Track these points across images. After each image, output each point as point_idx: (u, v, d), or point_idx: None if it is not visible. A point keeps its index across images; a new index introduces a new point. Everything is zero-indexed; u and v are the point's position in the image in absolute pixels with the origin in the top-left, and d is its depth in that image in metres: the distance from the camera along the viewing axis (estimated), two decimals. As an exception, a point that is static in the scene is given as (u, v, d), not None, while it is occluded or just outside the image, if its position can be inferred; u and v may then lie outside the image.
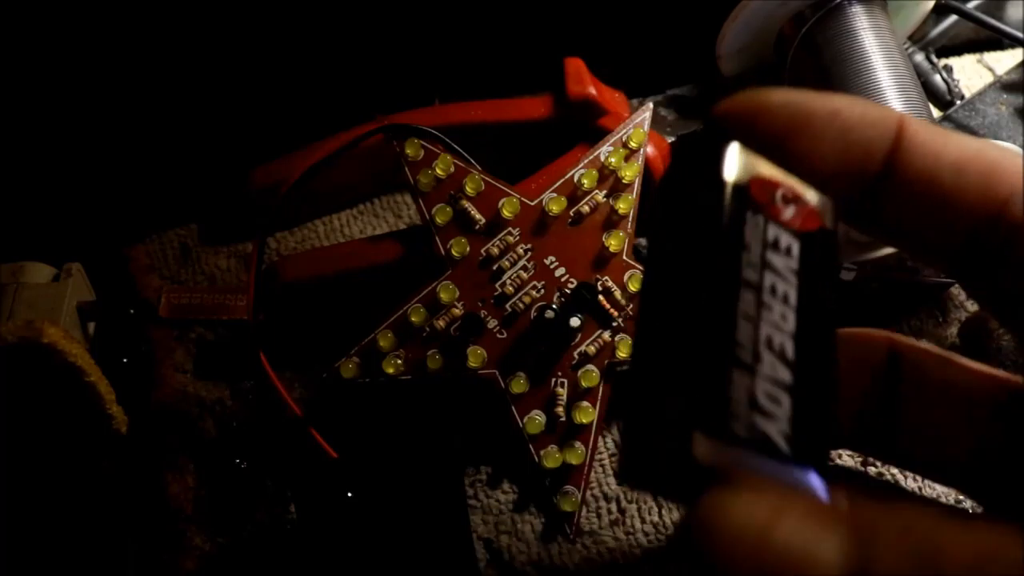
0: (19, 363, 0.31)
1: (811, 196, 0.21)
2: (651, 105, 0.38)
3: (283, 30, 0.43)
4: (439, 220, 0.36)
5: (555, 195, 0.36)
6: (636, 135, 0.37)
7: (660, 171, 0.40)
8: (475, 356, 0.34)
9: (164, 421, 0.36)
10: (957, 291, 0.42)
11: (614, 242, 0.36)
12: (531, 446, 0.34)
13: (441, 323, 0.34)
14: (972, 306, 0.42)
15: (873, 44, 0.39)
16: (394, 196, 0.43)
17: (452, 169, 0.36)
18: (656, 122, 0.43)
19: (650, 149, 0.39)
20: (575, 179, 0.36)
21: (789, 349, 0.18)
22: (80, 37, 0.40)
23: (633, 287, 0.35)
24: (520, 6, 0.45)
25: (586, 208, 0.36)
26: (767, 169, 0.21)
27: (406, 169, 0.36)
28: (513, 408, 0.34)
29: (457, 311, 0.35)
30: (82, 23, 0.40)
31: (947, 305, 0.42)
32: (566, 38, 0.45)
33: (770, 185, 0.21)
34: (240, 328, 0.39)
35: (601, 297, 0.35)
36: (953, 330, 0.41)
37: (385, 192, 0.43)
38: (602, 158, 0.37)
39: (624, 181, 0.36)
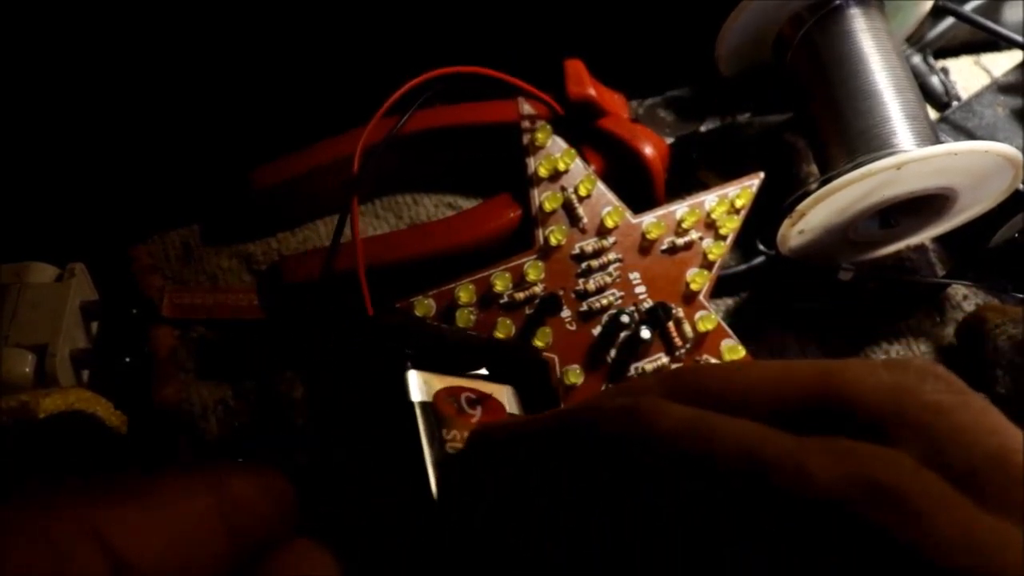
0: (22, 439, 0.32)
1: (490, 389, 0.24)
2: (762, 175, 0.39)
3: (283, 30, 0.43)
4: (547, 207, 0.37)
5: (656, 221, 0.38)
6: (744, 195, 0.39)
7: (660, 172, 0.40)
8: (543, 336, 0.35)
9: (166, 421, 0.37)
10: (954, 291, 0.42)
11: (698, 280, 0.37)
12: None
13: (520, 296, 0.35)
14: (969, 306, 0.42)
15: (871, 46, 0.39)
16: (395, 197, 0.44)
17: (572, 166, 0.38)
18: (655, 123, 0.43)
19: (649, 150, 0.39)
20: (677, 215, 0.38)
21: None
22: (82, 37, 0.40)
23: (701, 327, 0.36)
24: (520, 6, 0.45)
25: (681, 242, 0.38)
26: (444, 380, 0.23)
27: (529, 152, 0.38)
28: (560, 397, 0.35)
29: (538, 290, 0.36)
30: (83, 23, 0.40)
31: (944, 305, 0.42)
32: (566, 39, 0.45)
33: (452, 392, 0.23)
34: (242, 328, 0.39)
35: (671, 324, 0.36)
36: (950, 330, 0.41)
37: (386, 192, 0.43)
38: (706, 205, 0.38)
39: (721, 232, 0.38)
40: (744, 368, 0.19)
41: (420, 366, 0.24)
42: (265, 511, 0.20)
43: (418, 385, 0.23)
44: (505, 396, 0.25)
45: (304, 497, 0.21)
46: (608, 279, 0.37)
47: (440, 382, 0.23)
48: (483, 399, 0.24)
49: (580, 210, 0.37)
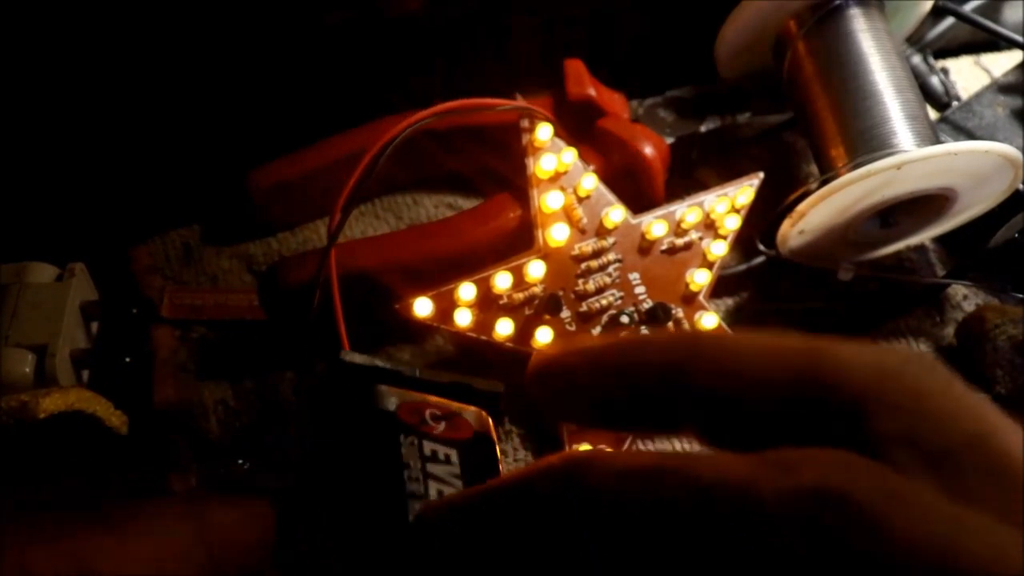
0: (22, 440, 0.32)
1: (458, 408, 0.25)
2: (761, 175, 0.39)
3: (284, 31, 0.43)
4: (547, 207, 0.37)
5: (656, 221, 0.38)
6: (744, 194, 0.39)
7: (660, 172, 0.40)
8: (543, 336, 0.35)
9: (167, 421, 0.37)
10: (954, 291, 0.42)
11: (698, 280, 0.37)
12: (565, 435, 0.35)
13: (520, 296, 0.35)
14: (969, 306, 0.42)
15: (871, 46, 0.39)
16: (395, 197, 0.44)
17: (572, 166, 0.38)
18: (656, 123, 0.43)
19: (649, 150, 0.39)
20: (677, 214, 0.38)
21: None
22: (82, 38, 0.40)
23: (701, 327, 0.37)
24: (520, 7, 0.45)
25: (681, 243, 0.38)
26: (413, 395, 0.25)
27: (529, 152, 0.38)
28: None
29: (538, 291, 0.36)
30: (84, 24, 0.40)
31: (944, 305, 0.42)
32: (566, 39, 0.46)
33: (417, 407, 0.24)
34: (242, 328, 0.39)
35: (671, 324, 0.36)
36: (950, 330, 0.41)
37: (387, 193, 0.43)
38: (706, 205, 0.38)
39: (721, 232, 0.38)
40: (739, 345, 0.18)
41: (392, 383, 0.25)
42: (246, 540, 0.20)
43: (383, 397, 0.24)
44: (473, 417, 0.26)
45: (286, 523, 0.21)
46: (608, 280, 0.37)
47: (407, 396, 0.25)
48: (450, 416, 0.25)
49: (580, 211, 0.37)
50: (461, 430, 0.25)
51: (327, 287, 0.36)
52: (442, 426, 0.24)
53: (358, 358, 0.27)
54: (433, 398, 0.25)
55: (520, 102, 0.38)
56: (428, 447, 0.23)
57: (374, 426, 0.24)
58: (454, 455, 0.24)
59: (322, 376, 0.28)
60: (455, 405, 0.25)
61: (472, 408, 0.26)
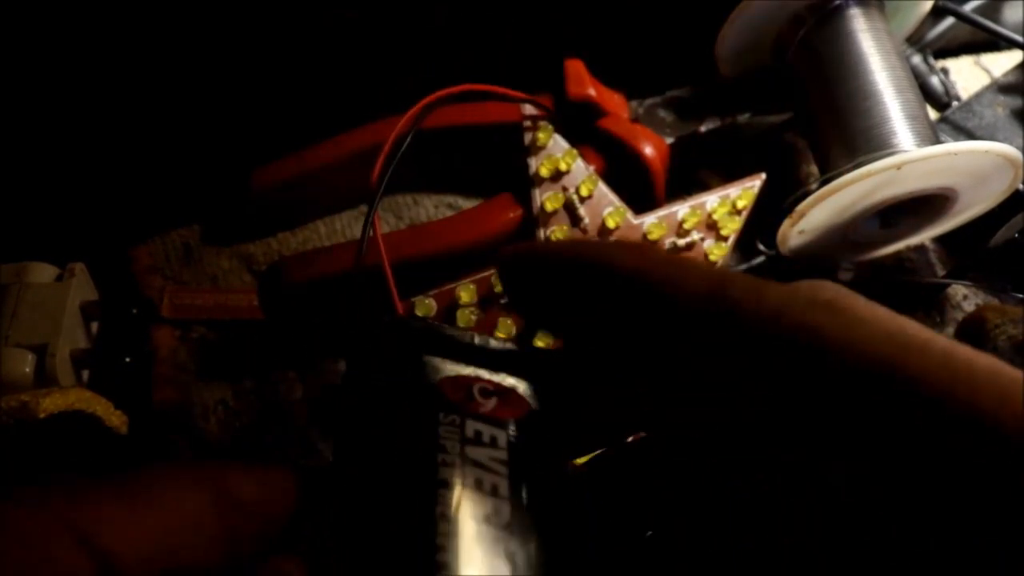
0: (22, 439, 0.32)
1: (512, 382, 0.22)
2: (764, 176, 0.39)
3: (284, 31, 0.43)
4: (549, 207, 0.37)
5: (657, 222, 0.38)
6: (745, 196, 0.39)
7: (660, 172, 0.40)
8: (543, 337, 0.35)
9: (167, 421, 0.37)
10: (954, 292, 0.42)
11: None
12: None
13: None
14: (969, 306, 0.42)
15: (871, 46, 0.39)
16: (395, 197, 0.44)
17: (574, 166, 0.38)
18: (655, 123, 0.43)
19: (649, 150, 0.40)
20: (678, 215, 0.38)
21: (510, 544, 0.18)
22: (82, 37, 0.40)
23: None
24: (521, 6, 0.45)
25: (682, 243, 0.38)
26: (458, 368, 0.22)
27: (531, 152, 0.38)
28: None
29: None
30: (84, 23, 0.40)
31: (944, 305, 0.42)
32: (566, 38, 0.45)
33: (463, 381, 0.22)
34: (242, 328, 0.39)
35: None
36: (950, 330, 0.41)
37: (386, 192, 0.43)
38: (708, 206, 0.38)
39: (722, 232, 0.38)
40: (656, 266, 0.20)
41: (437, 352, 0.23)
42: (265, 510, 0.19)
43: (428, 369, 0.22)
44: (531, 393, 0.23)
45: (312, 500, 0.20)
46: (609, 279, 0.37)
47: (453, 369, 0.22)
48: (501, 392, 0.22)
49: (582, 210, 0.37)
50: (515, 407, 0.22)
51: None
52: (492, 403, 0.22)
53: (411, 321, 0.24)
54: (487, 373, 0.22)
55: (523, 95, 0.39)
56: (471, 427, 0.21)
57: (411, 402, 0.21)
58: (502, 437, 0.21)
59: (355, 341, 0.24)
60: (511, 379, 0.23)
61: (523, 382, 0.23)
